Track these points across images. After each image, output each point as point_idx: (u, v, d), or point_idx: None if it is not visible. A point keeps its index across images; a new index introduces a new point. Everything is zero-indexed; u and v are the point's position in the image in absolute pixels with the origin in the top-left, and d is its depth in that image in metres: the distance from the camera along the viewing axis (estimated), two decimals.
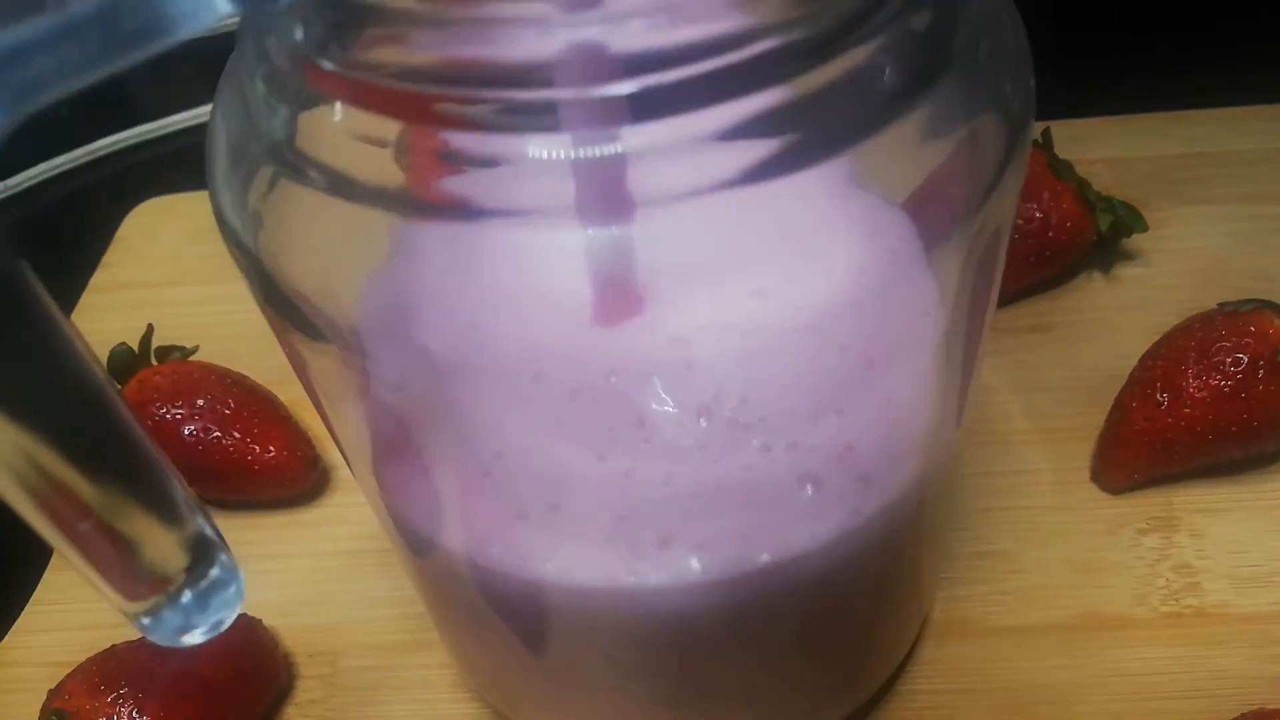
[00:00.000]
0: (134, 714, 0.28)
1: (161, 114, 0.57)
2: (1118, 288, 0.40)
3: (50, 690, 0.29)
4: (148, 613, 0.19)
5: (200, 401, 0.35)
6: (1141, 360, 0.34)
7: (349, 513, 0.37)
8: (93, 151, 0.57)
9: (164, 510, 0.18)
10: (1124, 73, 0.48)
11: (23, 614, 0.36)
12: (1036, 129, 0.39)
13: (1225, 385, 0.31)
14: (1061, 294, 0.40)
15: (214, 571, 0.19)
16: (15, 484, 0.16)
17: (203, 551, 0.19)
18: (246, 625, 0.32)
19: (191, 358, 0.38)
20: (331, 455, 0.38)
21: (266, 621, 0.33)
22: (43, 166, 0.56)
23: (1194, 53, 0.49)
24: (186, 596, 0.19)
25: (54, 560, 0.37)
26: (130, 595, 0.18)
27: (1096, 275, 0.41)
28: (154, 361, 0.37)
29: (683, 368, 0.17)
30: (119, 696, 0.28)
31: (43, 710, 0.29)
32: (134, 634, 0.28)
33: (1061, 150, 0.39)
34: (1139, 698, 0.29)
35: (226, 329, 0.39)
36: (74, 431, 0.17)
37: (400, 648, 0.33)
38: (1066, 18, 0.52)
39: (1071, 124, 0.45)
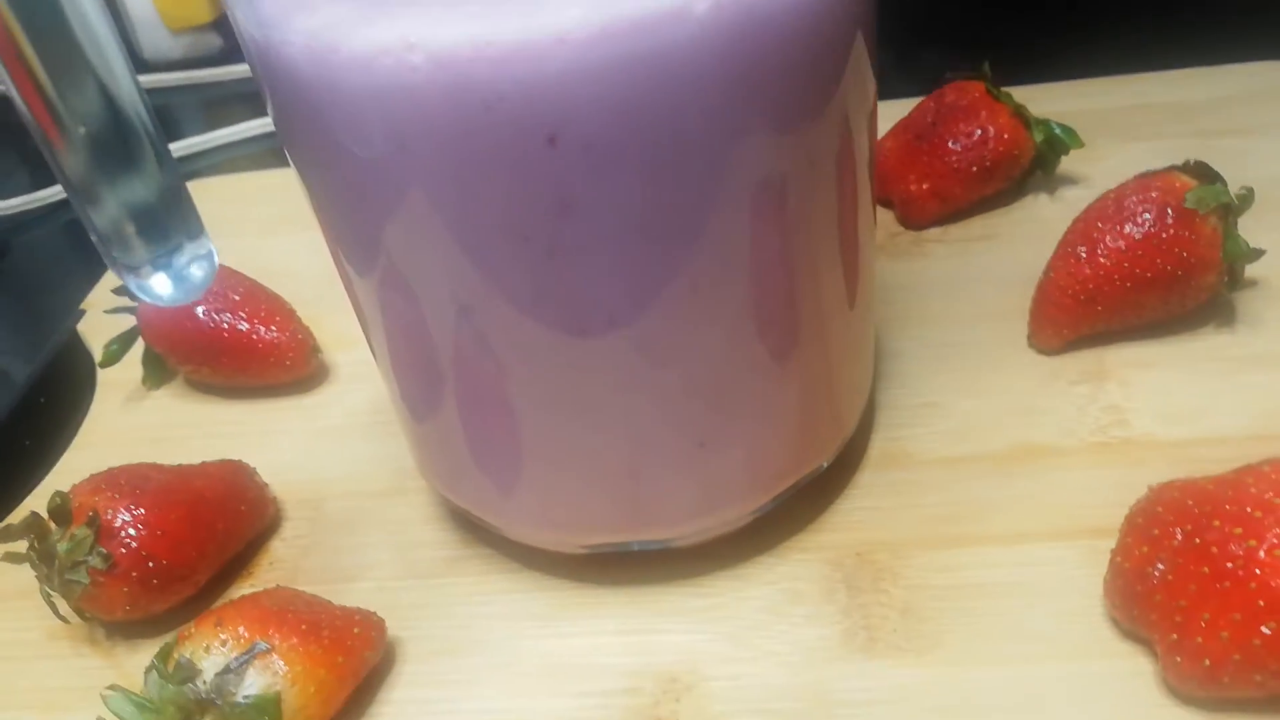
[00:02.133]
0: (130, 506, 0.31)
1: (200, 132, 0.65)
2: (1062, 204, 0.43)
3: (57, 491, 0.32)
4: (141, 271, 0.22)
5: (213, 288, 0.39)
6: (1069, 227, 0.36)
7: (342, 399, 0.40)
8: None
9: (171, 182, 0.22)
10: (1073, 42, 0.52)
11: (40, 484, 0.39)
12: (978, 64, 0.43)
13: (1137, 233, 0.34)
14: (1009, 211, 0.43)
15: (202, 246, 0.23)
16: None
17: (195, 226, 0.23)
18: (238, 464, 0.35)
19: None
20: (335, 355, 0.42)
21: (263, 477, 0.36)
22: None
23: (1144, 20, 0.53)
24: (176, 264, 0.23)
25: (74, 443, 0.41)
26: (130, 257, 0.22)
27: (1043, 196, 0.44)
28: None
29: None
30: (117, 493, 0.31)
31: (50, 501, 0.31)
32: None
33: None
34: (1060, 508, 0.31)
35: (246, 268, 0.43)
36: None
37: (379, 494, 0.36)
38: None
39: (1020, 89, 0.50)
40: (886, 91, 0.50)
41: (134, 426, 0.41)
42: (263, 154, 0.63)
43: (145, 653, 0.32)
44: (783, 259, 0.26)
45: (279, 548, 0.35)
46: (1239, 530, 0.25)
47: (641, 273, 0.24)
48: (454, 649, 0.30)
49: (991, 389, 0.35)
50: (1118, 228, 0.34)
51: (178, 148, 0.64)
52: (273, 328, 0.39)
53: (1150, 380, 0.35)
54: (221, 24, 0.75)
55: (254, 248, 0.47)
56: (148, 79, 0.73)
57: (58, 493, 0.31)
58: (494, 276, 0.24)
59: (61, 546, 0.30)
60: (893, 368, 0.37)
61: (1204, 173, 0.34)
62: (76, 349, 0.46)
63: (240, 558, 0.34)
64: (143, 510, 0.31)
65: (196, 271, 0.23)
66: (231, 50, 0.74)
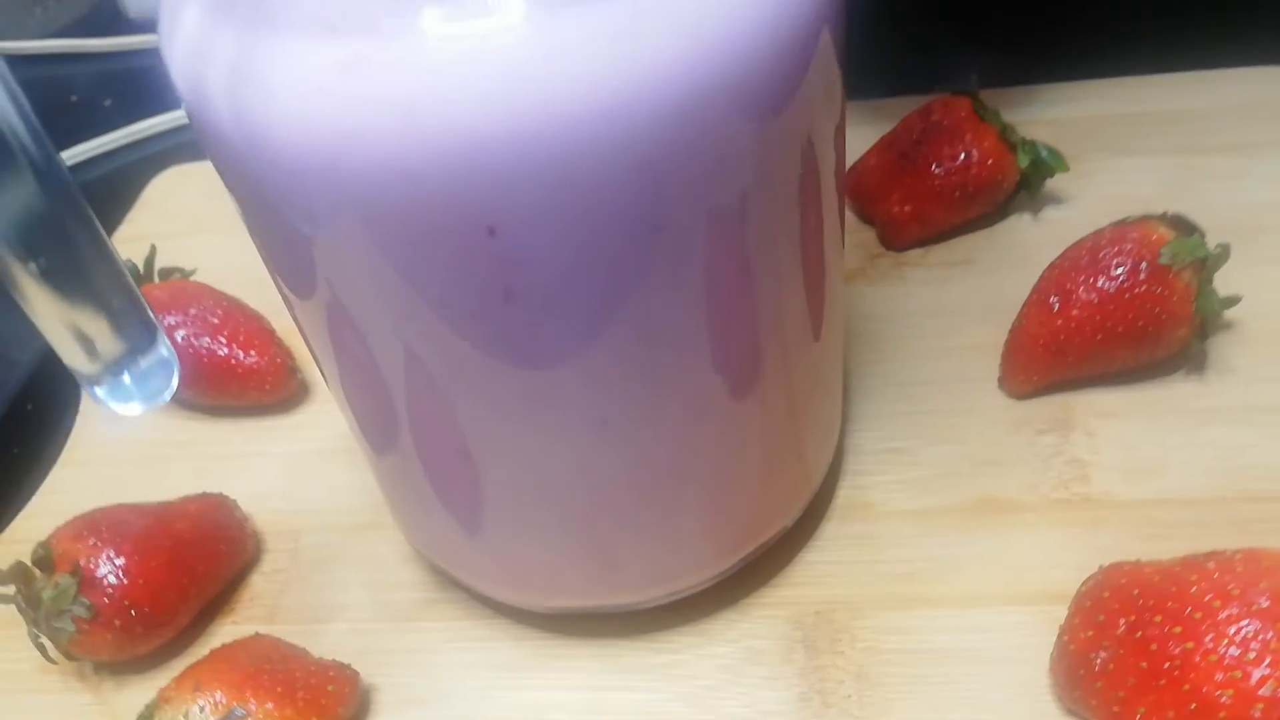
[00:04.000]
0: (111, 555, 0.32)
1: None
2: (1045, 227, 0.43)
3: (40, 542, 0.33)
4: (101, 381, 0.23)
5: (193, 310, 0.40)
6: (1042, 274, 0.36)
7: (322, 419, 0.41)
8: (131, 134, 0.63)
9: (122, 299, 0.22)
10: (1071, 42, 0.51)
11: (30, 501, 0.40)
12: (968, 81, 0.42)
13: (1110, 287, 0.34)
14: (992, 233, 0.43)
15: (156, 354, 0.23)
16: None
17: (148, 337, 0.23)
18: (219, 500, 0.36)
19: (191, 278, 0.42)
20: (311, 371, 0.42)
21: (242, 505, 0.37)
22: (85, 145, 0.62)
23: (1139, 22, 0.51)
24: (133, 371, 0.23)
25: (61, 458, 0.41)
26: (92, 360, 0.22)
27: (1026, 217, 0.43)
28: (156, 279, 0.42)
29: None
30: (99, 541, 0.32)
31: (33, 551, 0.32)
32: None
33: (1007, 113, 0.42)
34: (1016, 570, 0.32)
35: (228, 268, 0.43)
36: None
37: (356, 528, 0.37)
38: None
39: (1020, 90, 0.49)
40: (875, 89, 0.50)
41: (119, 443, 0.42)
42: None
43: (132, 689, 0.33)
44: (746, 343, 0.26)
45: (259, 582, 0.36)
46: (1178, 630, 0.25)
47: (595, 356, 0.24)
48: (424, 699, 0.31)
49: (960, 435, 0.36)
50: (1091, 279, 0.34)
51: (165, 120, 0.63)
52: (252, 352, 0.40)
53: (1115, 431, 0.35)
54: None
55: (235, 245, 0.46)
56: (135, 40, 0.72)
57: (40, 544, 0.32)
58: (440, 353, 0.24)
59: (46, 594, 0.31)
60: (863, 408, 0.37)
61: (1181, 224, 0.34)
62: None
63: (222, 593, 0.35)
64: (123, 560, 0.32)
65: (156, 381, 0.24)
66: None
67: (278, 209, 0.22)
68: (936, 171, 0.41)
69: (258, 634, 0.32)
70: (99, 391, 0.23)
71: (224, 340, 0.39)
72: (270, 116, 0.20)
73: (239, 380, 0.40)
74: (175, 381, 0.24)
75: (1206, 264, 0.34)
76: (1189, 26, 0.50)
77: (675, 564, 0.30)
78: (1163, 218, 0.34)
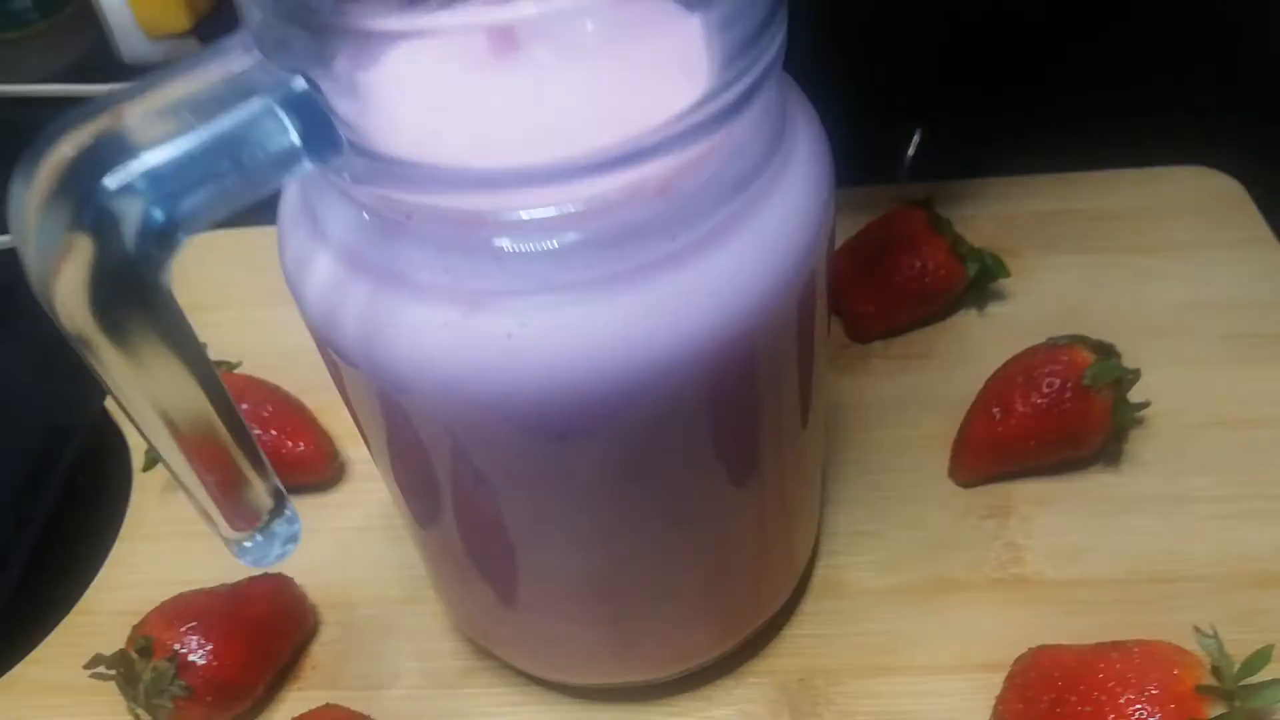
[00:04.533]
0: (200, 641, 0.37)
1: None
2: (989, 323, 0.49)
3: (134, 625, 0.38)
4: (244, 540, 0.28)
5: (245, 405, 0.45)
6: (985, 383, 0.43)
7: (362, 497, 0.46)
8: None
9: (259, 468, 0.27)
10: (1016, 138, 0.57)
11: (98, 575, 0.45)
12: (920, 191, 0.49)
13: (1041, 402, 0.40)
14: (944, 327, 0.50)
15: (286, 514, 0.28)
16: (174, 442, 0.25)
17: (280, 500, 0.28)
18: (281, 580, 0.41)
19: (236, 370, 0.47)
20: (348, 451, 0.47)
21: (297, 580, 0.42)
22: None
23: (1078, 121, 0.58)
24: (269, 532, 0.28)
25: (121, 533, 0.46)
26: (235, 527, 0.28)
27: (973, 312, 0.50)
28: None
29: None
30: (188, 629, 0.37)
31: (129, 639, 0.38)
32: (179, 589, 0.38)
33: (957, 206, 0.49)
34: (965, 641, 0.38)
35: (265, 347, 0.48)
36: (216, 400, 0.25)
37: (402, 601, 0.42)
38: (970, 97, 0.61)
39: (968, 183, 0.55)
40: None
41: (175, 519, 0.46)
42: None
43: None
44: (750, 468, 0.32)
45: (319, 652, 0.41)
46: (1088, 709, 0.32)
47: (624, 491, 0.30)
48: None
49: (917, 520, 0.42)
50: (1027, 395, 0.41)
51: None
52: (300, 443, 0.45)
53: (1046, 519, 0.42)
54: (201, 30, 0.76)
55: (263, 320, 0.51)
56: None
57: (143, 636, 0.37)
58: (494, 493, 0.30)
59: (147, 677, 0.37)
60: (836, 493, 0.43)
61: (1101, 348, 0.41)
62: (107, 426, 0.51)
63: (288, 663, 0.41)
64: (212, 645, 0.37)
65: (285, 546, 0.29)
66: None
67: (391, 403, 0.28)
68: (897, 279, 0.47)
69: (329, 704, 0.37)
70: (246, 545, 0.28)
71: (275, 433, 0.44)
72: (398, 352, 0.26)
73: (288, 467, 0.45)
74: (298, 541, 0.29)
75: (1121, 383, 0.40)
76: (1135, 125, 0.56)
77: (686, 648, 0.36)
78: (1085, 341, 0.41)
